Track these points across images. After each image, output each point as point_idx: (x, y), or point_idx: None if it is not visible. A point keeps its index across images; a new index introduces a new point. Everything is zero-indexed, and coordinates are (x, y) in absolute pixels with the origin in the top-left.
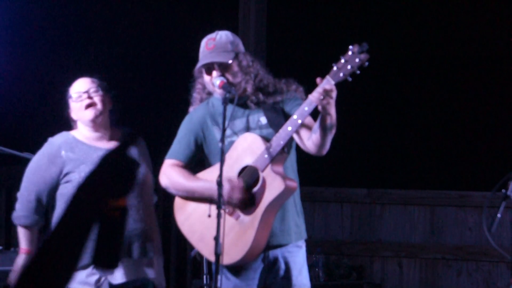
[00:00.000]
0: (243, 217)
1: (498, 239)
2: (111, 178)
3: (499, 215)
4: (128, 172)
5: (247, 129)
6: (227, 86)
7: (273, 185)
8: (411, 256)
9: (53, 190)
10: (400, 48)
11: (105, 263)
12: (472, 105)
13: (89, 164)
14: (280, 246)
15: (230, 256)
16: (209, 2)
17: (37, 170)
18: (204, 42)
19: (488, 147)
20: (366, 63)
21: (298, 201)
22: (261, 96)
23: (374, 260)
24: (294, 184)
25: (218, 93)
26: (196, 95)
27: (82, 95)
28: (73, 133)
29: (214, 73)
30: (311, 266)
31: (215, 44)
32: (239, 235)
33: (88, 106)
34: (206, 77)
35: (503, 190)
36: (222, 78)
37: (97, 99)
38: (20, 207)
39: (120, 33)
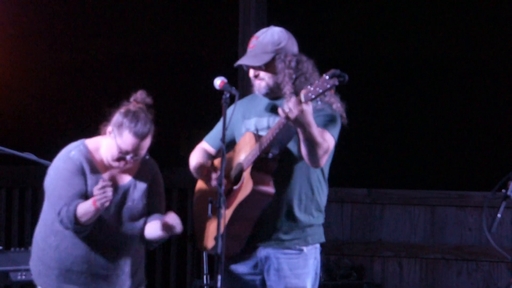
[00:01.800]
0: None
1: (498, 239)
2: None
3: (499, 215)
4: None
5: (267, 128)
6: (228, 86)
7: (245, 186)
8: (411, 256)
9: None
10: (400, 48)
11: None
12: (472, 106)
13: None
14: (274, 248)
15: (209, 242)
16: (210, 2)
17: (66, 181)
18: (252, 39)
19: (488, 147)
20: (334, 88)
21: (313, 207)
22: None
23: (374, 260)
24: (269, 190)
25: (256, 89)
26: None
27: (126, 154)
28: (90, 147)
29: (251, 72)
30: None
31: (256, 44)
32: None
33: (121, 160)
34: (250, 74)
35: (503, 190)
36: (222, 78)
37: (134, 163)
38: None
39: (120, 32)
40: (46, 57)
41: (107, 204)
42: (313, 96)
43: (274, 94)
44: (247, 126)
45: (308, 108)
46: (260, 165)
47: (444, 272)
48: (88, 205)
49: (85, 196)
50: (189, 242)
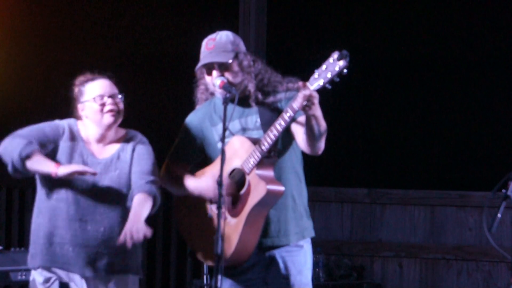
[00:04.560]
0: (229, 219)
1: (498, 239)
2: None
3: (499, 215)
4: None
5: (244, 130)
6: (228, 86)
7: (256, 189)
8: (411, 256)
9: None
10: (400, 48)
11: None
12: (472, 105)
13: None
14: (277, 247)
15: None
16: (210, 2)
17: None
18: (204, 43)
19: (488, 147)
20: (345, 71)
21: (302, 202)
22: (261, 96)
23: (375, 260)
24: (280, 188)
25: (219, 93)
26: (200, 95)
27: (106, 99)
28: (79, 125)
29: (214, 73)
30: None
31: (215, 44)
32: (225, 237)
33: (110, 111)
34: (207, 78)
35: (503, 190)
36: (222, 78)
37: (120, 106)
38: (19, 140)
39: (120, 32)
40: (43, 54)
41: (66, 176)
42: (323, 82)
43: (239, 94)
44: (219, 132)
45: (318, 96)
46: (263, 165)
47: (444, 272)
48: (48, 162)
49: (45, 149)
50: (189, 257)
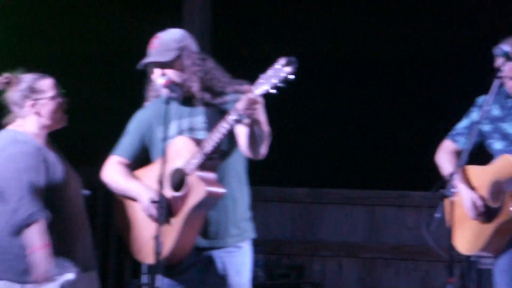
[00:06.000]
0: (168, 219)
1: (436, 239)
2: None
3: (437, 215)
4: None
5: (191, 129)
6: (172, 86)
7: (196, 190)
8: (350, 256)
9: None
10: (341, 49)
11: None
12: (411, 106)
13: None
14: (216, 248)
15: (153, 256)
16: (154, 3)
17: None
18: (152, 41)
19: (427, 147)
20: (291, 77)
21: (243, 204)
22: (207, 96)
23: (314, 259)
24: (221, 191)
25: (163, 92)
26: (150, 93)
27: (62, 98)
28: (20, 130)
29: (158, 72)
30: None
31: (159, 42)
32: (163, 237)
33: (65, 109)
34: (153, 76)
35: (442, 190)
36: (166, 77)
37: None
38: (27, 204)
39: (63, 31)
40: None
41: None
42: (269, 87)
43: (183, 93)
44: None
45: (262, 100)
46: (205, 167)
47: (383, 271)
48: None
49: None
50: (128, 256)
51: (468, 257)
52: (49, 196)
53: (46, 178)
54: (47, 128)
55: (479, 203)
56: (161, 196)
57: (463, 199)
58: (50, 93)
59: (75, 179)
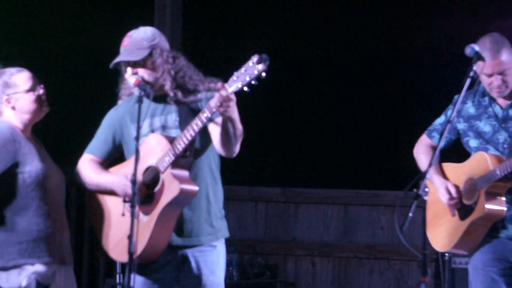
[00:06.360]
0: (141, 216)
1: (410, 238)
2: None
3: (410, 214)
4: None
5: (164, 127)
6: (142, 84)
7: (170, 188)
8: (324, 255)
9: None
10: (312, 49)
11: None
12: (384, 106)
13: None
14: (189, 247)
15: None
16: (125, 2)
17: None
18: (123, 39)
19: (400, 147)
20: (264, 74)
21: (216, 203)
22: (180, 94)
23: (288, 259)
24: (194, 188)
25: (135, 91)
26: (124, 91)
27: (40, 90)
28: (4, 120)
29: (129, 70)
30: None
31: (130, 41)
32: (136, 235)
33: (45, 101)
34: (126, 75)
35: (415, 190)
36: (136, 76)
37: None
38: None
39: (35, 29)
40: None
41: None
42: (241, 85)
43: (155, 92)
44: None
45: (235, 98)
46: (178, 165)
47: (357, 270)
48: None
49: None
50: (102, 255)
51: (442, 256)
52: (7, 181)
53: (11, 162)
54: (28, 121)
55: (453, 189)
56: (134, 176)
57: (437, 188)
58: (25, 86)
59: (57, 176)
